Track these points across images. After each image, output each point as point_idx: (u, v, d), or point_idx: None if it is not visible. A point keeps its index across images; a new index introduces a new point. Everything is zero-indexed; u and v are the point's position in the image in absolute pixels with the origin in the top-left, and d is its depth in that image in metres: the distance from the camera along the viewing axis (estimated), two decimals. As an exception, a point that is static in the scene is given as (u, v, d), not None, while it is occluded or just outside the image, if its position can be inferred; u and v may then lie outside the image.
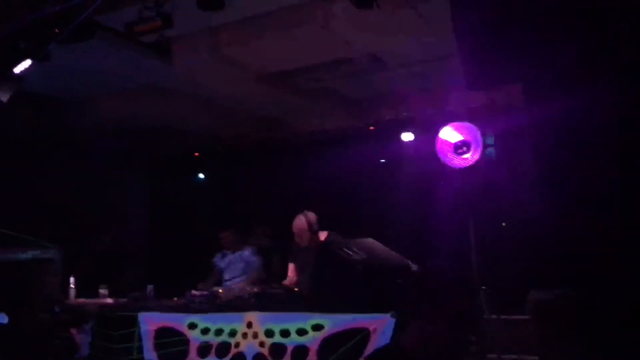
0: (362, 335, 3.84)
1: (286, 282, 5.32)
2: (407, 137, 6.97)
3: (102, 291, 5.94)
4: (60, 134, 7.52)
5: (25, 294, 5.85)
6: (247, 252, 6.31)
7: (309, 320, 4.04)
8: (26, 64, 5.00)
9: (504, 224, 5.83)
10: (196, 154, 9.20)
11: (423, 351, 1.93)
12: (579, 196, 4.05)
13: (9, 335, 4.51)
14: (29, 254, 6.99)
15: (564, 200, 4.01)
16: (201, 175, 9.32)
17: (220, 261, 6.46)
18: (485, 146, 4.48)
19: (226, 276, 6.24)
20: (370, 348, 3.81)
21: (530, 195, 4.47)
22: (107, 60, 5.97)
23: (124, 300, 5.63)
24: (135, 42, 5.70)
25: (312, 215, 5.26)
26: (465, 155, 4.55)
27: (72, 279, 6.09)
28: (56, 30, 4.53)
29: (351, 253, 4.06)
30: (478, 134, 4.44)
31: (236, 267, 6.22)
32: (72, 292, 5.93)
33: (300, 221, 5.19)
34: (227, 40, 5.61)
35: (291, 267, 5.44)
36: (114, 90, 6.98)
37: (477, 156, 4.47)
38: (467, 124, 4.49)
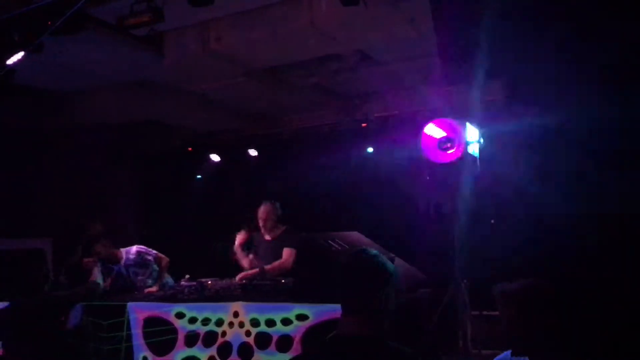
0: (344, 325, 3.92)
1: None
2: (393, 133, 7.01)
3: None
4: (52, 127, 7.57)
5: (17, 284, 5.90)
6: (132, 255, 5.83)
7: (293, 310, 4.13)
8: (19, 55, 5.05)
9: (492, 220, 5.90)
10: (189, 148, 9.25)
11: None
12: (560, 195, 4.15)
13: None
14: (20, 245, 7.07)
15: (546, 198, 4.11)
16: (192, 170, 9.37)
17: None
18: (468, 143, 4.57)
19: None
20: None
21: (513, 192, 4.58)
22: (99, 53, 6.01)
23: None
24: (128, 35, 5.76)
25: (278, 205, 5.44)
26: (449, 152, 4.64)
27: (63, 270, 6.16)
28: (48, 22, 4.56)
29: (333, 245, 4.15)
30: (461, 130, 4.52)
31: (125, 277, 5.83)
32: (64, 282, 6.00)
33: (267, 208, 5.38)
34: (216, 35, 5.68)
35: (251, 257, 5.52)
36: (106, 84, 7.02)
37: (460, 152, 4.55)
38: (451, 121, 4.57)
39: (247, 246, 5.55)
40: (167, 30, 5.92)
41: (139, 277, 5.87)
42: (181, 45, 6.04)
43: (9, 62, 5.15)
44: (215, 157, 8.91)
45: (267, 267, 5.16)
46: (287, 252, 5.24)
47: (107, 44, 5.79)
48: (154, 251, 6.00)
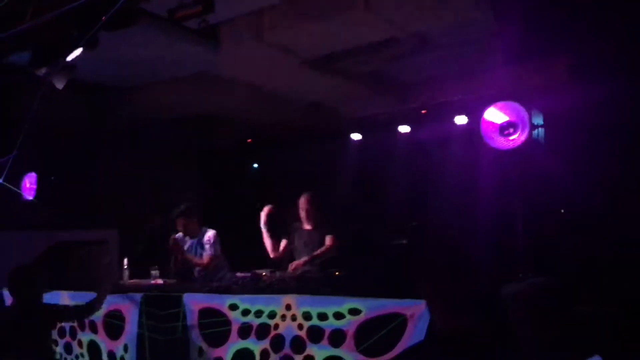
0: (399, 321, 3.77)
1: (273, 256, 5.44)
2: (459, 120, 6.70)
3: (153, 272, 6.14)
4: (113, 121, 7.78)
5: (83, 274, 6.11)
6: (209, 236, 6.09)
7: (345, 304, 4.00)
8: (78, 51, 5.17)
9: (562, 210, 5.54)
10: (249, 140, 9.30)
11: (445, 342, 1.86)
12: (630, 181, 3.78)
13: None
14: (87, 236, 7.34)
15: (615, 184, 3.77)
16: (251, 162, 9.43)
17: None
18: (533, 127, 4.26)
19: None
20: (407, 334, 3.74)
21: (581, 179, 4.24)
22: (156, 48, 6.10)
23: (173, 281, 5.83)
24: (183, 29, 5.79)
25: (318, 195, 5.39)
26: (512, 137, 4.34)
27: (125, 260, 6.32)
28: (103, 17, 4.63)
29: (388, 237, 4.00)
30: (525, 114, 4.22)
31: (196, 253, 6.11)
32: (126, 273, 6.15)
33: (308, 198, 5.34)
34: (270, 24, 5.61)
35: (283, 242, 5.62)
36: (165, 79, 7.12)
37: (524, 137, 4.25)
38: (513, 104, 4.27)
39: (279, 229, 5.58)
40: (221, 22, 5.91)
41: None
42: (235, 37, 6.02)
43: (70, 58, 5.31)
44: (274, 149, 8.93)
45: (316, 253, 5.19)
46: (329, 239, 5.28)
47: (164, 38, 5.86)
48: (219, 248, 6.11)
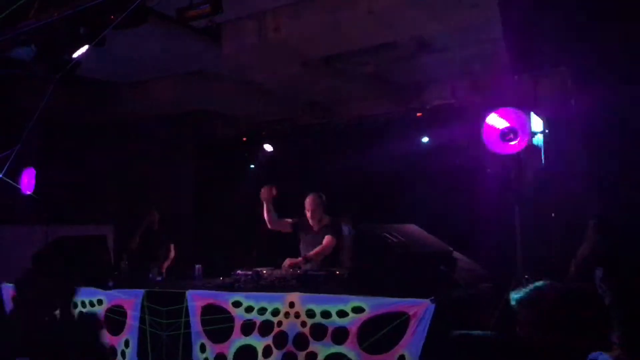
0: (401, 319, 3.87)
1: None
2: (451, 123, 6.83)
3: (152, 268, 6.18)
4: (113, 116, 7.78)
5: (81, 269, 6.12)
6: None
7: (349, 302, 4.08)
8: (84, 49, 5.20)
9: (553, 214, 5.67)
10: (244, 138, 9.34)
11: None
12: (630, 187, 3.91)
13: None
14: (84, 231, 7.34)
15: (615, 191, 3.89)
16: (247, 160, 9.46)
17: None
18: (533, 133, 4.39)
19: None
20: (410, 332, 3.84)
21: (581, 185, 4.37)
22: (159, 45, 6.14)
23: (173, 277, 5.87)
24: (187, 27, 5.83)
25: (323, 196, 5.55)
26: (512, 143, 4.47)
27: (124, 256, 6.34)
28: (112, 16, 4.68)
29: (389, 237, 4.09)
30: (526, 120, 4.34)
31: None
32: (125, 268, 6.18)
33: (314, 199, 5.49)
34: (273, 25, 5.67)
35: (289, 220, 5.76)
36: (165, 75, 7.15)
37: (524, 143, 4.38)
38: (514, 110, 4.40)
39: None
40: (225, 22, 5.96)
41: None
42: (239, 36, 6.07)
43: (75, 55, 5.33)
44: (268, 147, 8.97)
45: (309, 254, 5.32)
46: (327, 239, 5.40)
47: (167, 36, 5.90)
48: None
